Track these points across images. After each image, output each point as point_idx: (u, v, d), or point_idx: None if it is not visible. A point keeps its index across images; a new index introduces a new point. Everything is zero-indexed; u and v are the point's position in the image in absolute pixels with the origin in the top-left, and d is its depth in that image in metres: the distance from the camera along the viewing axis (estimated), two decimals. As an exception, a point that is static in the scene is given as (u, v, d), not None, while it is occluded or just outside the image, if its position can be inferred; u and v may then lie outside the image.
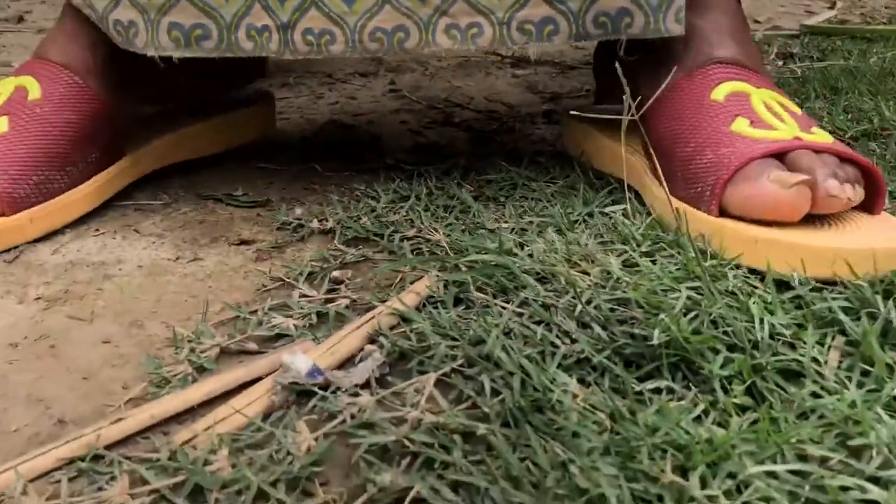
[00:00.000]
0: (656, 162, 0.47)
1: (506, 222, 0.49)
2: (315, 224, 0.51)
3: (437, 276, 0.42)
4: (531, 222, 0.48)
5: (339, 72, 0.94)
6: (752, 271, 0.41)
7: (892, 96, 0.71)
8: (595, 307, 0.37)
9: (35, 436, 0.33)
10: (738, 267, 0.40)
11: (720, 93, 0.48)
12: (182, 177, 0.59)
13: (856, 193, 0.43)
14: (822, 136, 0.45)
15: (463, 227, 0.49)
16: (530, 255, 0.42)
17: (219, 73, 0.62)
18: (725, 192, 0.43)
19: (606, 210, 0.49)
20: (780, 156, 0.43)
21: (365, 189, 0.57)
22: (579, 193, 0.52)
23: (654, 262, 0.42)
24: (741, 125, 0.45)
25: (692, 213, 0.45)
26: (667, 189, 0.46)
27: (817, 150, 0.43)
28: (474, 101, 0.84)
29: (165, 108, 0.63)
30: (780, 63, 0.98)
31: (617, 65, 0.46)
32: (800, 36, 1.15)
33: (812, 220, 0.42)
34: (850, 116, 0.67)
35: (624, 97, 0.45)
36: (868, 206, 0.44)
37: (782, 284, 0.39)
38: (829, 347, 0.34)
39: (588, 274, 0.40)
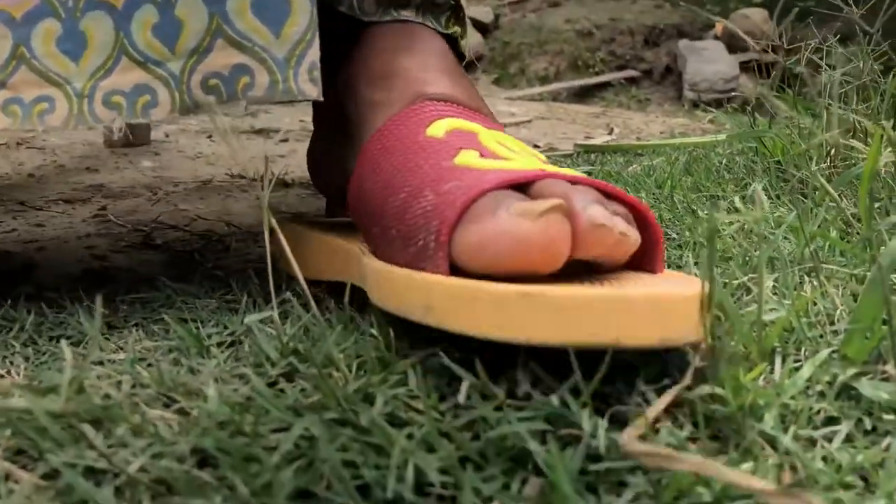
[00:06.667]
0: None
1: (124, 352, 0.35)
2: None
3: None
4: (158, 347, 0.34)
5: (38, 199, 0.79)
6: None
7: (647, 192, 0.64)
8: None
9: None
10: (403, 384, 0.28)
11: (438, 129, 0.36)
12: None
13: (630, 230, 0.31)
14: (572, 172, 0.33)
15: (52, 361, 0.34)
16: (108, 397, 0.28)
17: None
18: (454, 240, 0.30)
19: (263, 326, 0.35)
20: (523, 189, 0.31)
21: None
22: (242, 308, 0.39)
23: (291, 384, 0.28)
24: (468, 157, 0.33)
25: (411, 279, 0.30)
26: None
27: (572, 182, 0.31)
28: (195, 223, 0.70)
29: None
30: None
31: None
32: (573, 155, 1.13)
33: (582, 278, 0.30)
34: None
35: (266, 159, 0.33)
36: (645, 262, 0.33)
37: (454, 401, 0.26)
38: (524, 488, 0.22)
39: (188, 414, 0.26)
